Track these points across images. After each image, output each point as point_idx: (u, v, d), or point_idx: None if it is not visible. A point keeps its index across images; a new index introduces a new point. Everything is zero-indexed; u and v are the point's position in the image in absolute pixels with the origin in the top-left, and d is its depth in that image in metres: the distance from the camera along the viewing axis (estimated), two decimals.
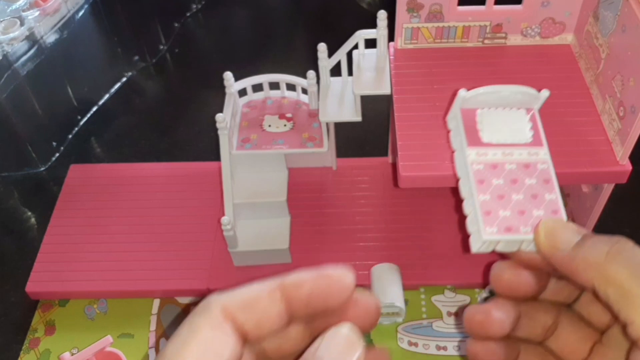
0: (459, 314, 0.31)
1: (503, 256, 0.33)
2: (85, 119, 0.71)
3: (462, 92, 0.36)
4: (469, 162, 0.35)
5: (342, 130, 0.60)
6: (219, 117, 0.50)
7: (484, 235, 0.33)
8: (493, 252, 0.34)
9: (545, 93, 0.36)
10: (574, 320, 0.34)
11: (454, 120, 0.37)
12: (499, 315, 0.32)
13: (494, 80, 0.48)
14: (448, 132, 0.38)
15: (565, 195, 0.52)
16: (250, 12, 0.84)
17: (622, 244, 0.28)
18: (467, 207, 0.35)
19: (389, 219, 0.57)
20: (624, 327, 0.27)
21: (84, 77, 0.70)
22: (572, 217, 0.51)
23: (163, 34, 0.79)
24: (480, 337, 0.32)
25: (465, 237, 0.55)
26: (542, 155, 0.35)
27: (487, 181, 0.34)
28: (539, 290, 0.33)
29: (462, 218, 0.56)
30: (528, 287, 0.32)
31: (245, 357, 0.25)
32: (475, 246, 0.34)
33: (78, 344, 0.51)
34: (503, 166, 0.35)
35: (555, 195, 0.34)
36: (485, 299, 0.51)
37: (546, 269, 0.32)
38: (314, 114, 0.55)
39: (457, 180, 0.36)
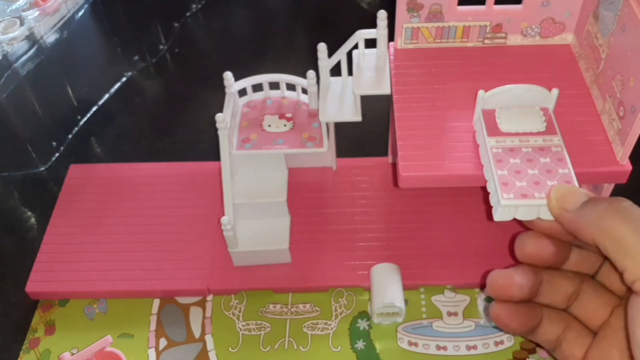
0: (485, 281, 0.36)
1: (525, 228, 0.37)
2: (85, 118, 0.71)
3: (481, 93, 0.41)
4: (489, 148, 0.39)
5: (342, 130, 0.60)
6: (218, 117, 0.50)
7: (502, 201, 0.37)
8: (514, 220, 0.37)
9: (555, 91, 0.41)
10: (595, 288, 0.36)
11: (478, 122, 0.42)
12: (519, 279, 0.35)
13: (494, 80, 0.48)
14: (474, 133, 0.43)
15: None
16: (250, 12, 0.84)
17: (619, 202, 0.31)
18: (489, 186, 0.39)
19: (389, 219, 0.57)
20: (621, 276, 0.30)
21: (84, 77, 0.70)
22: None
23: (163, 33, 0.79)
24: (502, 299, 0.35)
25: (464, 237, 0.56)
26: (556, 141, 0.40)
27: (505, 160, 0.39)
28: (560, 259, 0.36)
29: (461, 218, 0.57)
30: (549, 255, 0.35)
31: None
32: (497, 214, 0.38)
33: (78, 344, 0.51)
34: (520, 150, 0.39)
35: (568, 170, 0.38)
36: (486, 299, 0.51)
37: (566, 238, 0.35)
38: (314, 114, 0.55)
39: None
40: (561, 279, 0.36)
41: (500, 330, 0.51)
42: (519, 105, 0.41)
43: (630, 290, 0.30)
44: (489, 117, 0.41)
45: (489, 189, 0.39)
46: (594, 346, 0.35)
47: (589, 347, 0.35)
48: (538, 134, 0.40)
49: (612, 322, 0.34)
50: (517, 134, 0.40)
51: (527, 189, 0.37)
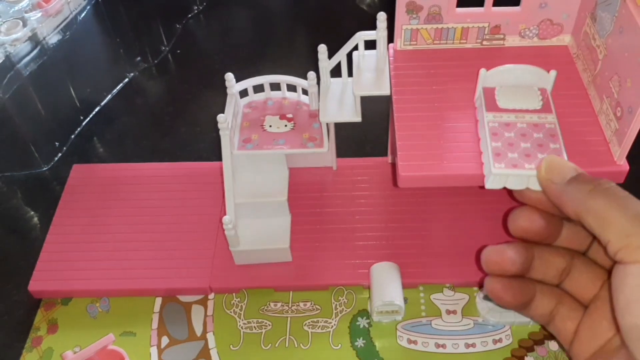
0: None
1: (518, 204, 0.39)
2: (87, 119, 0.71)
3: (482, 71, 0.43)
4: (486, 122, 0.42)
5: (342, 131, 0.61)
6: (220, 117, 0.51)
7: (493, 170, 0.39)
8: (504, 188, 0.40)
9: (553, 73, 0.43)
10: (586, 264, 0.38)
11: (479, 99, 0.44)
12: (511, 255, 0.37)
13: None
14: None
15: None
16: (251, 14, 0.85)
17: (602, 183, 0.33)
18: (484, 157, 0.41)
19: (389, 219, 0.58)
20: (605, 249, 0.32)
21: (86, 78, 0.70)
22: None
23: (165, 35, 0.79)
24: (496, 274, 0.37)
25: (463, 236, 0.56)
26: (550, 119, 0.42)
27: (500, 134, 0.41)
28: (551, 234, 0.38)
29: (461, 217, 0.57)
30: (540, 229, 0.37)
31: None
32: (488, 182, 0.40)
33: (80, 343, 0.52)
34: (515, 125, 0.41)
35: (559, 145, 0.40)
36: (484, 298, 0.51)
37: (553, 211, 0.37)
38: (314, 115, 0.55)
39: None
40: (553, 255, 0.38)
41: (500, 328, 0.51)
42: (518, 85, 0.44)
43: (614, 261, 0.32)
44: (489, 94, 0.43)
45: (483, 160, 0.41)
46: (585, 319, 0.37)
47: (581, 320, 0.37)
48: (534, 111, 0.42)
49: (601, 295, 0.36)
50: (513, 111, 0.42)
51: (518, 160, 0.39)
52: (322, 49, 0.51)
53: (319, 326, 0.52)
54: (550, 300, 0.38)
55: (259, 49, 0.79)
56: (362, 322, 0.52)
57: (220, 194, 0.59)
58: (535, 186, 0.38)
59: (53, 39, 0.63)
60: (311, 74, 0.54)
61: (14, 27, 0.60)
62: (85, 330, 0.53)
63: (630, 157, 0.42)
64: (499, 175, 0.39)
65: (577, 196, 0.33)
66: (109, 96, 0.74)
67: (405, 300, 0.53)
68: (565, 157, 0.39)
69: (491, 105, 0.43)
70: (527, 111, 0.42)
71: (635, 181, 0.45)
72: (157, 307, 0.54)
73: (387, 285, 0.51)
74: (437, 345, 0.50)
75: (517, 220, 0.38)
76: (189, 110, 0.72)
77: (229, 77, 0.54)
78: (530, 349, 0.50)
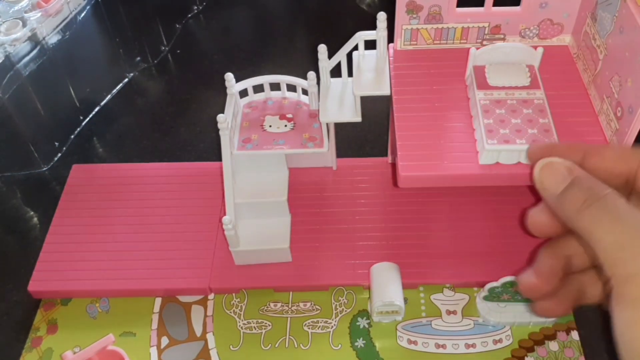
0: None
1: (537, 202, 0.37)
2: (87, 119, 0.71)
3: (472, 50, 0.45)
4: (477, 100, 0.43)
5: (342, 131, 0.61)
6: (220, 117, 0.51)
7: (486, 146, 0.40)
8: (497, 163, 0.41)
9: (540, 50, 0.45)
10: None
11: (470, 77, 0.46)
12: (543, 275, 0.35)
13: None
14: (466, 87, 0.46)
15: None
16: (251, 13, 0.85)
17: (597, 192, 0.30)
18: (476, 134, 0.43)
19: (389, 219, 0.57)
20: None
21: (86, 78, 0.70)
22: None
23: (164, 35, 0.79)
24: (541, 298, 0.36)
25: (463, 236, 0.56)
26: (539, 94, 0.43)
27: (491, 111, 0.43)
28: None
29: (460, 217, 0.57)
30: (558, 227, 0.35)
31: None
32: (481, 158, 0.42)
33: (80, 343, 0.52)
34: (505, 102, 0.43)
35: (547, 120, 0.42)
36: (484, 298, 0.51)
37: None
38: (314, 115, 0.55)
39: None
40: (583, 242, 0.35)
41: (500, 329, 0.51)
42: (506, 62, 0.45)
43: (611, 287, 0.29)
44: (479, 72, 0.45)
45: (476, 137, 0.43)
46: None
47: None
48: (523, 88, 0.44)
49: None
50: (503, 88, 0.44)
51: (509, 135, 0.41)
52: (322, 49, 0.51)
53: (319, 326, 0.52)
54: (598, 284, 0.36)
55: (259, 49, 0.79)
56: (362, 323, 0.52)
57: (220, 194, 0.59)
58: (527, 160, 0.40)
59: (53, 39, 0.63)
60: (311, 74, 0.54)
61: (13, 27, 0.60)
62: (84, 331, 0.53)
63: None
64: (492, 151, 0.41)
65: (570, 213, 0.31)
66: (109, 96, 0.74)
67: (405, 300, 0.53)
68: (554, 131, 0.41)
69: (482, 83, 0.45)
70: (516, 88, 0.44)
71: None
72: (156, 308, 0.54)
73: (387, 285, 0.51)
74: (437, 346, 0.50)
75: (535, 220, 0.36)
76: (189, 110, 0.72)
77: (229, 77, 0.54)
78: (531, 349, 0.50)
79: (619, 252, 0.28)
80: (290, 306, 0.53)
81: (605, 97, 0.44)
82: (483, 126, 0.42)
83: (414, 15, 0.49)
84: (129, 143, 0.69)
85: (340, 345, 0.51)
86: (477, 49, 0.45)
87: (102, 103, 0.73)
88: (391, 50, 0.51)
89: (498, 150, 0.41)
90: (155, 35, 0.78)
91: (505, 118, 0.42)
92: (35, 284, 0.55)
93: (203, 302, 0.54)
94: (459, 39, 0.51)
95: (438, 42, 0.51)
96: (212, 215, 0.59)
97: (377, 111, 0.58)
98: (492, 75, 0.45)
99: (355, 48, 0.52)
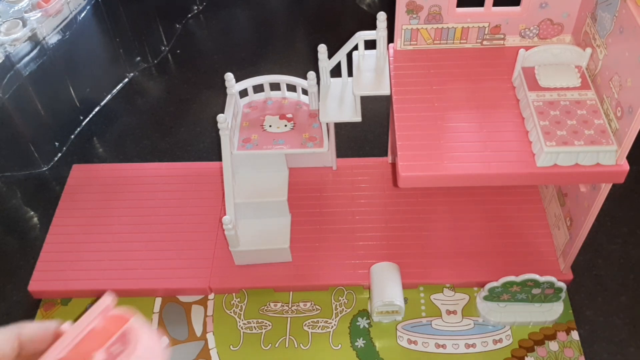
0: None
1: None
2: (87, 119, 0.71)
3: (522, 52, 0.45)
4: (530, 101, 0.44)
5: (342, 130, 0.61)
6: (220, 117, 0.51)
7: (545, 148, 0.41)
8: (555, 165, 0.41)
9: (588, 50, 0.45)
10: None
11: (518, 78, 0.46)
12: None
13: (493, 80, 0.48)
14: (514, 89, 0.47)
15: (563, 195, 0.53)
16: (251, 14, 0.85)
17: None
18: (531, 135, 0.43)
19: (389, 219, 0.58)
20: None
21: (86, 78, 0.70)
22: (569, 216, 0.51)
23: (165, 35, 0.79)
24: None
25: (463, 236, 0.56)
26: (590, 95, 0.44)
27: (545, 112, 0.43)
28: None
29: (460, 218, 0.57)
30: None
31: None
32: (539, 160, 0.42)
33: None
34: (558, 103, 0.44)
35: (602, 121, 0.42)
36: (484, 298, 0.51)
37: None
38: (314, 115, 0.55)
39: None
40: None
41: (500, 329, 0.51)
42: (555, 63, 0.46)
43: None
44: (528, 74, 0.46)
45: (530, 139, 0.43)
46: None
47: None
48: (574, 88, 0.45)
49: None
50: (555, 89, 0.45)
51: (567, 137, 0.41)
52: (322, 49, 0.51)
53: (319, 326, 0.52)
54: None
55: (258, 49, 0.79)
56: (362, 322, 0.52)
57: (220, 194, 0.59)
58: (584, 161, 0.41)
59: (53, 39, 0.63)
60: (311, 74, 0.54)
61: (13, 27, 0.60)
62: None
63: (630, 157, 0.42)
64: (551, 153, 0.41)
65: None
66: (109, 96, 0.74)
67: (405, 300, 0.53)
68: (609, 131, 0.41)
69: (532, 84, 0.45)
70: (567, 89, 0.45)
71: (635, 181, 0.45)
72: (156, 308, 0.54)
73: (387, 285, 0.51)
74: (437, 346, 0.50)
75: None
76: (189, 110, 0.72)
77: (229, 77, 0.54)
78: (530, 349, 0.50)
79: None
80: (290, 306, 0.53)
81: (605, 97, 0.44)
82: (539, 128, 0.42)
83: (414, 15, 0.49)
84: (129, 143, 0.69)
85: (340, 345, 0.51)
86: (526, 49, 0.46)
87: (102, 103, 0.73)
88: (391, 50, 0.51)
89: (557, 152, 0.41)
90: (155, 35, 0.78)
91: (560, 119, 0.42)
92: (36, 284, 0.55)
93: (203, 302, 0.54)
94: (458, 39, 0.51)
95: (438, 42, 0.51)
96: (212, 215, 0.59)
97: (377, 111, 0.58)
98: (542, 77, 0.45)
99: (355, 48, 0.52)
